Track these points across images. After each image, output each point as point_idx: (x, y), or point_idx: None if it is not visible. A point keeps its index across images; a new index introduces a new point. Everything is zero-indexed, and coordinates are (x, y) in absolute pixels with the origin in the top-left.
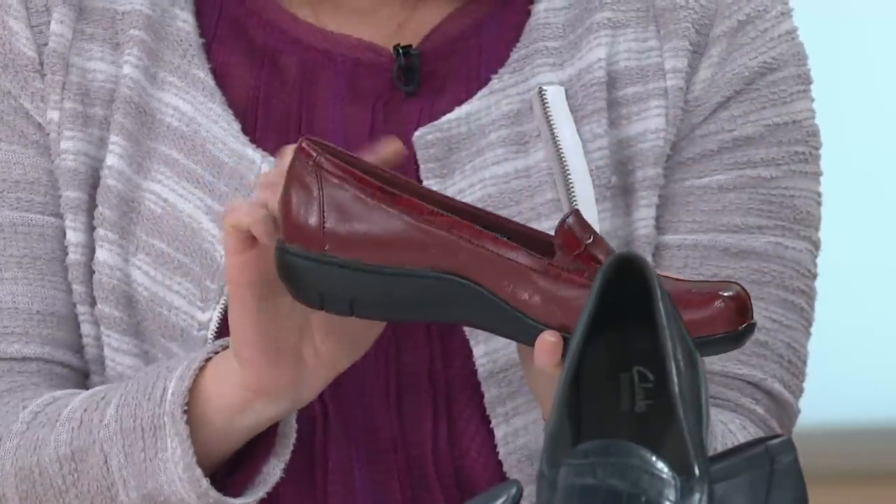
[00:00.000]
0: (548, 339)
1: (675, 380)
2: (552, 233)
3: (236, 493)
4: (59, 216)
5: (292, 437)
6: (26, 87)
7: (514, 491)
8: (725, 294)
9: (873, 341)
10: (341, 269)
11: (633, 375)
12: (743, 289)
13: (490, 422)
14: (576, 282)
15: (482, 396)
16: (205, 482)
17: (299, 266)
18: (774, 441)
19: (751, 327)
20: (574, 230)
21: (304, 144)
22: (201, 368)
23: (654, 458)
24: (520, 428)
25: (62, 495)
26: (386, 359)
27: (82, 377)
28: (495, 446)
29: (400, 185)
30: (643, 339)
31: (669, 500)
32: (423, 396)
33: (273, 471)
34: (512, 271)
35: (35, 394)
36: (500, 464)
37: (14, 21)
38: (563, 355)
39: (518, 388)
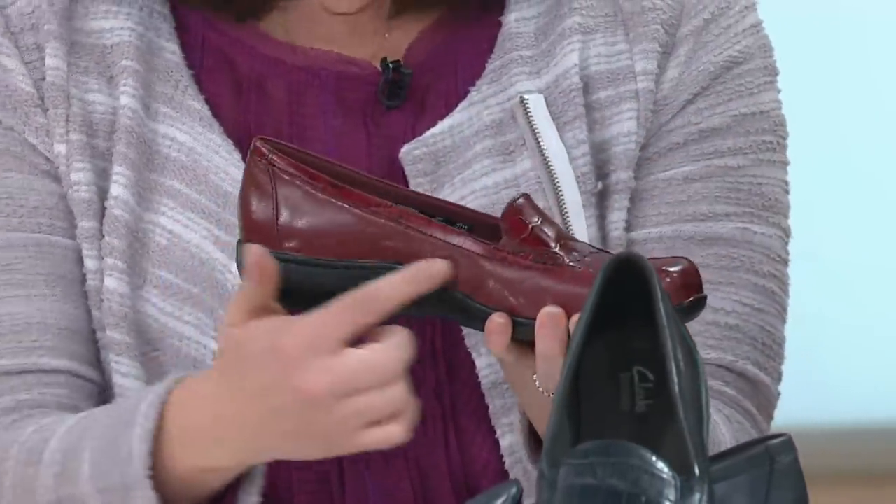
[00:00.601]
0: (496, 321)
1: (675, 380)
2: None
3: None
4: (77, 241)
5: (261, 468)
6: (28, 122)
7: (514, 491)
8: (670, 269)
9: (873, 341)
10: (299, 266)
11: (633, 375)
12: (691, 263)
13: (496, 432)
14: (521, 265)
15: (487, 408)
16: None
17: None
18: (774, 441)
19: (699, 301)
20: (519, 215)
21: (257, 144)
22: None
23: (654, 458)
24: None
25: None
26: None
27: (103, 392)
28: (502, 456)
29: (351, 179)
30: (643, 339)
31: (669, 500)
32: (431, 411)
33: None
34: (461, 258)
35: (45, 414)
36: (506, 473)
37: (6, 59)
38: (513, 338)
39: None
